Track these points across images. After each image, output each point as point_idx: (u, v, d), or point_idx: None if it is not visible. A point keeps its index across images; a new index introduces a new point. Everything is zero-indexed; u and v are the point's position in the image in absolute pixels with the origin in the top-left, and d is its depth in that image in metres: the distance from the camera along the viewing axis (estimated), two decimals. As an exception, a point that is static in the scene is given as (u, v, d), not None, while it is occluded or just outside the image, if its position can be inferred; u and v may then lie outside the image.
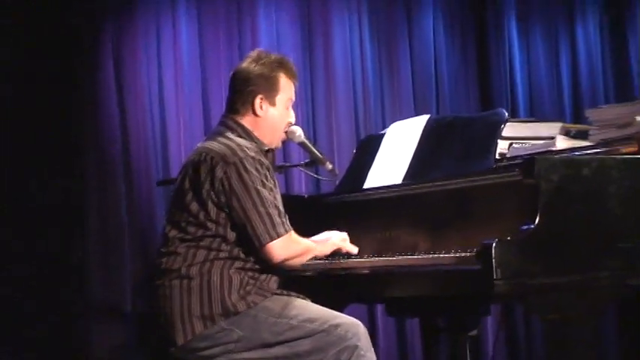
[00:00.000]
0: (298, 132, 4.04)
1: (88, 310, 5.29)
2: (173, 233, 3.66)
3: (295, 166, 4.85)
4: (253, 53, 3.87)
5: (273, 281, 3.70)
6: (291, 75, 3.85)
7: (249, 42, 5.81)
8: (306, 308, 3.63)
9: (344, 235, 3.97)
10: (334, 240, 3.93)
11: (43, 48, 5.36)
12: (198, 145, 3.79)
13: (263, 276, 3.65)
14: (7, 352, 5.13)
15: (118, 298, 5.34)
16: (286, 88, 3.83)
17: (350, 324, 3.58)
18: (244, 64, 3.82)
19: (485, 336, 6.21)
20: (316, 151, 4.18)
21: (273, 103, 3.79)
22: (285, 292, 3.69)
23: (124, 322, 5.35)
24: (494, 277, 3.15)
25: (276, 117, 3.81)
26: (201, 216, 3.60)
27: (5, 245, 5.19)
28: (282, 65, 3.82)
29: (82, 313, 5.30)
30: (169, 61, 5.62)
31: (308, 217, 4.39)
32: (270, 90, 3.78)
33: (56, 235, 5.31)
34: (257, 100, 3.76)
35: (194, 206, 3.61)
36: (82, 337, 5.28)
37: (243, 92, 3.78)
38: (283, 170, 5.09)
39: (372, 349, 3.59)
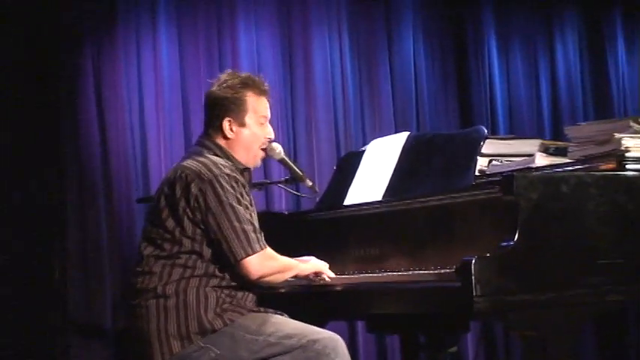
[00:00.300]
0: (278, 149, 4.05)
1: (67, 328, 5.27)
2: (148, 251, 3.65)
3: (275, 183, 4.85)
4: (222, 76, 3.89)
5: (250, 299, 3.69)
6: (259, 92, 3.85)
7: (229, 61, 5.81)
8: (283, 324, 3.61)
9: (325, 264, 3.97)
10: (315, 262, 3.93)
11: (24, 67, 5.35)
12: (176, 163, 3.80)
13: (240, 293, 3.65)
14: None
15: (97, 315, 5.31)
16: (256, 107, 3.83)
17: (328, 339, 3.57)
18: (212, 88, 3.85)
19: (465, 352, 6.21)
20: (296, 168, 4.19)
21: (242, 124, 3.80)
22: (262, 309, 3.68)
23: (104, 340, 5.32)
24: (474, 294, 3.16)
25: (247, 137, 3.81)
26: (177, 232, 3.60)
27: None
28: (247, 85, 3.83)
29: (61, 330, 5.27)
30: (150, 80, 5.62)
31: (288, 234, 4.40)
32: (237, 112, 3.79)
33: (36, 252, 5.29)
34: (225, 124, 3.79)
35: (170, 223, 3.62)
36: (62, 355, 5.25)
37: (212, 116, 3.83)
38: (263, 187, 5.09)
39: None
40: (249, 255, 3.57)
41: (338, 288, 3.91)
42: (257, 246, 3.60)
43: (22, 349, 5.18)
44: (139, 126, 5.57)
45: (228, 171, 3.65)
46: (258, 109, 3.84)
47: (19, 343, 5.17)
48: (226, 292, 3.61)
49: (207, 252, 3.60)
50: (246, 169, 3.85)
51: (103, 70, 5.52)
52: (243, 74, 3.90)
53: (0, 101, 5.30)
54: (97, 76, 5.51)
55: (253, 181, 4.20)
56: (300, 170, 4.20)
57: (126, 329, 3.77)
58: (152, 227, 3.69)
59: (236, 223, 3.57)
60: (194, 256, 3.59)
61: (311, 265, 3.90)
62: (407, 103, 6.42)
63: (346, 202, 4.30)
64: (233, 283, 3.62)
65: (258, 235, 3.65)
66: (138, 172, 5.53)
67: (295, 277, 3.85)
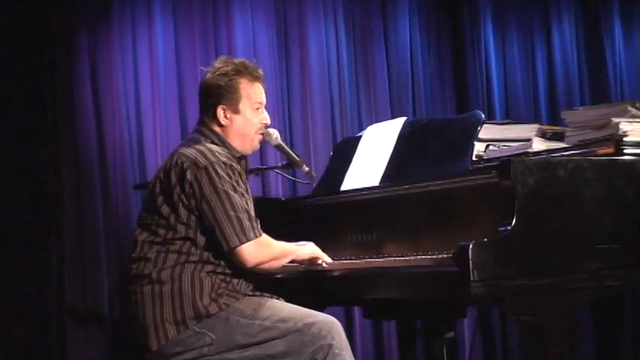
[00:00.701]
0: (275, 134, 4.05)
1: (64, 315, 5.26)
2: (143, 236, 3.66)
3: (272, 168, 4.84)
4: (215, 63, 3.88)
5: (246, 284, 3.69)
6: (252, 78, 3.84)
7: (225, 47, 5.80)
8: (279, 308, 3.62)
9: (320, 252, 3.96)
10: (312, 247, 3.92)
11: (19, 55, 5.33)
12: (173, 150, 3.80)
13: (235, 280, 3.65)
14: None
15: (94, 302, 5.31)
16: (250, 93, 3.83)
17: (324, 322, 3.57)
18: (206, 76, 3.85)
19: (462, 336, 6.22)
20: (293, 154, 4.18)
21: (236, 111, 3.79)
22: (257, 293, 3.69)
23: (101, 327, 5.32)
24: (471, 279, 3.15)
25: (242, 124, 3.81)
26: (172, 219, 3.60)
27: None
28: (240, 72, 3.82)
29: (58, 317, 5.27)
30: (146, 68, 5.60)
31: (285, 220, 4.40)
32: (231, 99, 3.79)
33: (32, 239, 5.28)
34: (219, 111, 3.79)
35: (165, 209, 3.62)
36: (59, 342, 5.25)
37: (206, 104, 3.83)
38: (260, 173, 5.09)
39: (348, 346, 3.58)
40: (242, 243, 3.57)
41: (335, 273, 3.90)
42: (251, 234, 3.60)
43: (20, 336, 5.18)
44: (135, 113, 5.56)
45: (224, 159, 3.64)
46: (252, 95, 3.83)
47: (16, 330, 5.17)
48: (221, 277, 3.61)
49: (201, 239, 3.60)
50: (243, 156, 3.84)
51: (98, 57, 5.51)
52: (237, 60, 3.89)
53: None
54: (93, 63, 5.50)
55: (250, 167, 4.19)
56: (297, 156, 4.19)
57: (122, 316, 3.77)
58: (147, 213, 3.69)
59: (231, 211, 3.56)
60: (188, 243, 3.59)
61: (308, 249, 3.90)
62: (403, 89, 6.41)
63: (343, 188, 4.30)
64: (228, 270, 3.62)
65: (254, 223, 3.64)
66: (134, 159, 5.52)
67: (292, 261, 3.85)
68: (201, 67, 4.05)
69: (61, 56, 5.46)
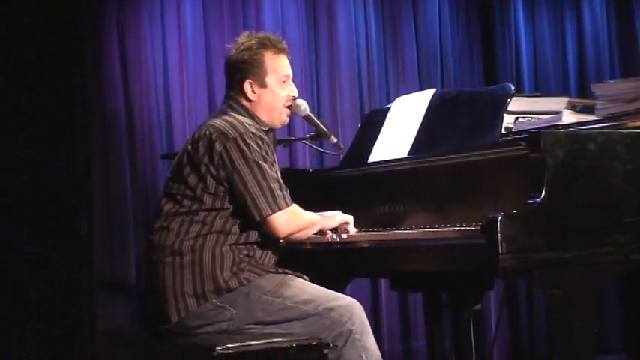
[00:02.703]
0: (303, 105, 4.04)
1: (94, 284, 5.30)
2: (168, 207, 3.67)
3: (300, 140, 4.83)
4: (239, 39, 3.89)
5: (269, 259, 3.69)
6: (276, 51, 3.85)
7: (253, 20, 5.79)
8: (301, 288, 3.61)
9: (350, 217, 3.96)
10: (340, 217, 3.92)
11: (47, 26, 5.34)
12: (201, 123, 3.81)
13: (258, 253, 3.65)
14: (13, 324, 5.15)
15: (121, 271, 5.34)
16: (275, 66, 3.84)
17: (345, 306, 3.56)
18: (230, 52, 3.87)
19: (488, 309, 6.22)
20: (321, 125, 4.18)
21: (263, 85, 3.81)
22: (280, 270, 3.68)
23: (129, 296, 5.36)
24: (500, 252, 3.14)
25: (269, 97, 3.82)
26: (199, 189, 3.61)
27: (12, 221, 5.19)
28: (264, 45, 3.83)
29: (88, 286, 5.30)
30: (174, 39, 5.60)
31: (312, 192, 4.40)
32: (256, 73, 3.80)
33: (62, 209, 5.31)
34: (246, 86, 3.80)
35: (192, 179, 3.63)
36: (88, 311, 5.29)
37: (233, 80, 3.85)
38: (287, 144, 5.09)
39: (369, 330, 3.58)
40: (274, 212, 3.58)
41: (362, 245, 3.91)
42: (282, 203, 3.60)
43: (51, 306, 5.22)
44: (162, 85, 5.56)
45: (253, 130, 3.65)
46: (278, 67, 3.84)
47: (47, 300, 5.21)
48: (244, 251, 3.61)
49: (227, 210, 3.60)
50: (270, 129, 3.85)
51: (127, 29, 5.51)
52: (260, 34, 3.90)
53: (24, 60, 5.30)
54: (121, 33, 5.50)
55: (277, 138, 4.20)
56: (326, 127, 4.18)
57: (145, 286, 3.79)
58: (173, 183, 3.70)
59: (262, 181, 3.57)
60: (213, 213, 3.60)
61: (336, 220, 3.90)
62: (431, 62, 6.39)
63: (371, 160, 4.29)
64: (251, 244, 3.63)
65: (284, 192, 3.65)
66: (162, 129, 5.53)
67: (320, 231, 3.85)
68: (226, 45, 4.05)
69: (90, 28, 5.47)
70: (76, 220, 5.32)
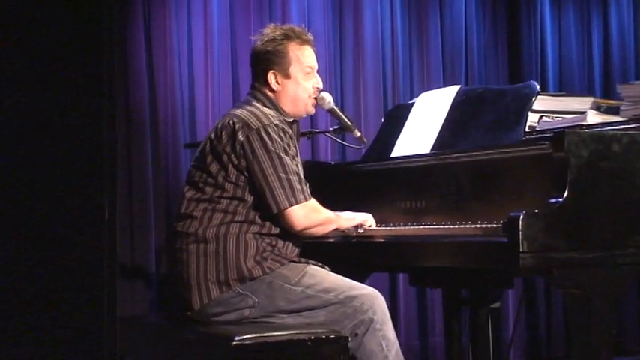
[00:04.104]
0: (328, 98, 4.05)
1: (115, 271, 5.30)
2: (190, 194, 3.69)
3: (323, 132, 4.84)
4: (264, 30, 3.93)
5: (292, 248, 3.70)
6: (301, 42, 3.87)
7: (279, 11, 5.79)
8: (323, 277, 3.63)
9: (370, 217, 3.96)
10: (359, 219, 3.93)
11: (72, 11, 5.35)
12: (226, 112, 3.83)
13: (281, 242, 3.66)
14: (32, 305, 5.17)
15: (142, 258, 5.36)
16: (299, 56, 3.85)
17: (366, 295, 3.57)
18: (255, 44, 3.90)
19: (506, 307, 6.21)
20: (345, 118, 4.18)
21: (287, 76, 3.82)
22: (303, 259, 3.69)
23: (148, 283, 5.37)
24: (520, 250, 3.15)
25: (293, 88, 3.84)
26: (220, 177, 3.62)
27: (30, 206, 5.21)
28: (288, 37, 3.85)
29: (110, 273, 5.31)
30: (199, 27, 5.60)
31: (333, 185, 4.40)
32: (281, 64, 3.82)
33: (82, 194, 5.32)
34: (270, 77, 3.82)
35: (214, 167, 3.65)
36: (110, 298, 5.30)
37: (257, 71, 3.87)
38: (310, 136, 5.09)
39: (389, 321, 3.59)
40: (292, 205, 3.59)
41: (382, 239, 3.91)
42: (301, 197, 3.61)
43: (72, 290, 5.24)
44: (187, 73, 5.57)
45: (276, 121, 3.67)
46: (302, 59, 3.85)
47: (69, 284, 5.23)
48: (267, 240, 3.63)
49: (248, 199, 3.62)
50: (294, 121, 3.86)
51: (152, 17, 5.51)
52: (285, 26, 3.93)
53: (51, 46, 5.31)
54: (147, 20, 5.51)
55: (301, 131, 4.20)
56: (350, 120, 4.19)
57: (167, 273, 3.80)
58: (196, 171, 3.73)
59: (282, 173, 3.58)
60: (235, 202, 3.61)
61: (354, 222, 3.91)
62: (456, 58, 6.37)
63: (393, 154, 4.29)
64: (274, 234, 3.64)
65: (304, 186, 3.66)
66: (185, 118, 5.54)
67: (336, 230, 3.86)
68: (251, 37, 4.07)
69: (115, 14, 5.47)
70: (100, 206, 5.34)
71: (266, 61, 3.83)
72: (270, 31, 3.88)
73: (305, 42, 3.88)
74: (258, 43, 3.87)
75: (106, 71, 5.43)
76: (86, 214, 5.32)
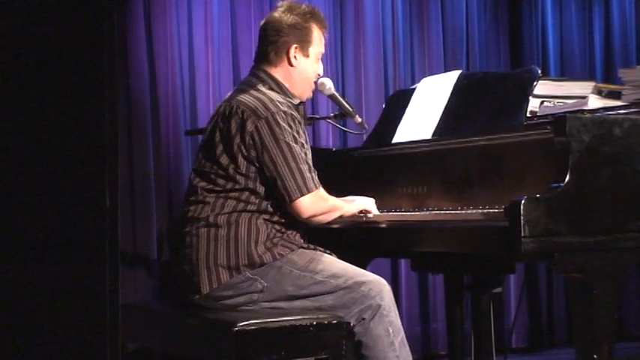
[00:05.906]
0: (328, 84, 4.04)
1: (115, 256, 5.30)
2: (202, 184, 3.65)
3: (324, 118, 4.83)
4: (285, 3, 3.84)
5: (300, 235, 3.70)
6: (322, 27, 3.84)
7: (279, -3, 5.77)
8: (331, 264, 3.63)
9: (371, 200, 3.96)
10: (361, 202, 3.92)
11: (73, 3, 5.34)
12: (229, 95, 3.78)
13: (290, 230, 3.66)
14: (34, 296, 5.17)
15: (143, 246, 5.35)
16: (318, 40, 3.82)
17: (375, 282, 3.58)
18: (276, 14, 3.79)
19: (508, 292, 6.22)
20: (346, 104, 4.17)
21: (306, 55, 3.78)
22: (311, 246, 3.69)
23: (149, 271, 5.37)
24: (522, 235, 3.14)
25: (308, 68, 3.80)
26: (231, 169, 3.60)
27: (33, 193, 5.21)
28: (314, 16, 3.81)
29: (111, 260, 5.31)
30: (200, 12, 5.59)
31: (335, 171, 4.40)
32: (304, 41, 3.77)
33: (83, 183, 5.32)
34: (292, 50, 3.75)
35: (224, 159, 3.61)
36: (111, 286, 5.30)
37: (277, 42, 3.76)
38: (311, 122, 5.08)
39: (396, 309, 3.60)
40: (303, 195, 3.58)
41: (384, 225, 3.91)
42: (312, 185, 3.61)
43: (74, 278, 5.24)
44: (187, 59, 5.55)
45: (285, 108, 3.63)
46: (320, 43, 3.84)
47: (70, 272, 5.23)
48: (277, 227, 3.62)
49: (260, 189, 3.60)
50: (301, 103, 3.83)
51: (153, 2, 5.50)
52: (308, 5, 3.88)
53: (50, 34, 5.30)
54: (147, 8, 5.49)
55: (306, 114, 4.19)
56: (350, 106, 4.18)
57: (173, 257, 3.78)
58: (205, 162, 3.68)
59: (292, 163, 3.56)
60: (247, 192, 3.59)
61: (356, 205, 3.90)
62: (457, 44, 6.36)
63: (395, 140, 4.29)
64: (284, 220, 3.64)
65: (313, 174, 3.65)
66: (186, 105, 5.53)
67: (340, 217, 3.85)
68: (263, 13, 4.02)
69: (116, 3, 5.46)
70: (102, 192, 5.33)
71: (290, 35, 3.74)
72: (293, 5, 3.80)
73: (324, 27, 3.85)
74: (280, 14, 3.77)
75: (107, 58, 5.44)
76: (87, 201, 5.33)
